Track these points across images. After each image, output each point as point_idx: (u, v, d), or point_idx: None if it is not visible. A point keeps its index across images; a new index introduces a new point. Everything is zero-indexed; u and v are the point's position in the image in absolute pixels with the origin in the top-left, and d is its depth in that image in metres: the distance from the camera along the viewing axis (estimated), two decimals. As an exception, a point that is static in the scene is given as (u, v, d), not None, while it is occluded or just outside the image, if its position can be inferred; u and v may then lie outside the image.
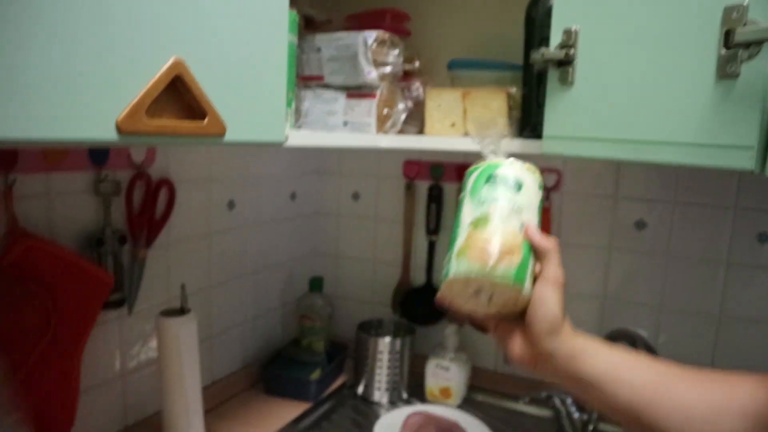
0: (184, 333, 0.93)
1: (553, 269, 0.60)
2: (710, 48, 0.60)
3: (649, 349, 0.96)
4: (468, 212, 0.62)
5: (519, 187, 0.61)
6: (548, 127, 0.79)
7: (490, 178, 0.62)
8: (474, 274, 0.58)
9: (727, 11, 0.58)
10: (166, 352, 0.93)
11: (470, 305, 0.63)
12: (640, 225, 1.16)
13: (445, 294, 0.63)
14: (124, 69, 0.45)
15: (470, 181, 0.64)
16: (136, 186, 0.95)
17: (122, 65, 0.45)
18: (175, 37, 0.50)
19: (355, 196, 1.44)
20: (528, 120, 0.93)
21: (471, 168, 0.66)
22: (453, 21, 1.24)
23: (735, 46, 0.57)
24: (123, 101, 0.45)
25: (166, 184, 1.00)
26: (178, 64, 0.50)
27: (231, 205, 1.18)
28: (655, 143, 0.66)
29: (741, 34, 0.56)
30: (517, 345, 0.62)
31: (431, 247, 1.34)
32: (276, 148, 1.27)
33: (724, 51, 0.58)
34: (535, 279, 0.60)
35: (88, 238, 0.89)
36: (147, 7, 0.47)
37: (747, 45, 0.56)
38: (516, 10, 0.94)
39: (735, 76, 0.58)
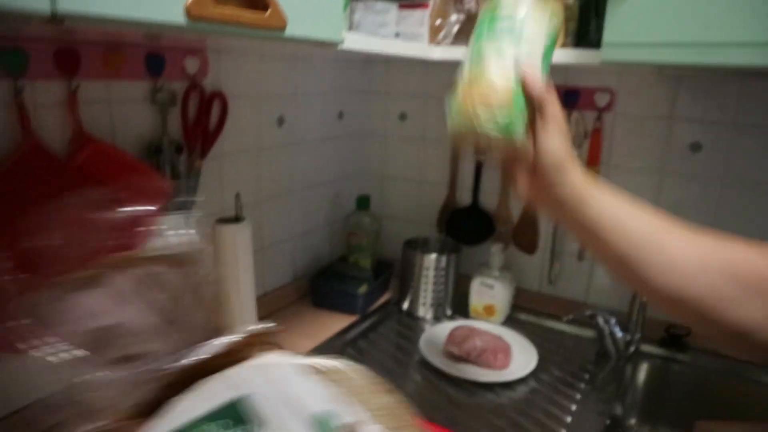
0: (240, 239, 0.96)
1: (551, 109, 0.60)
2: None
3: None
4: (467, 62, 0.63)
5: (520, 32, 0.61)
6: (608, 34, 0.76)
7: (492, 22, 0.61)
8: (465, 129, 0.59)
9: None
10: (223, 258, 0.97)
11: (478, 149, 0.66)
12: (695, 147, 1.12)
13: (453, 141, 0.67)
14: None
15: (476, 27, 0.64)
16: (190, 97, 0.97)
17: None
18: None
19: (402, 117, 1.43)
20: (586, 30, 0.90)
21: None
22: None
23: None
24: (191, -12, 0.46)
25: (219, 96, 1.02)
26: (242, -48, 0.50)
27: (280, 121, 1.19)
28: (719, 45, 0.63)
29: None
30: (525, 183, 0.64)
31: (478, 168, 1.33)
32: (324, 63, 1.27)
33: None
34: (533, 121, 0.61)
35: (147, 146, 0.92)
36: None
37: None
38: None
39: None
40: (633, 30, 0.73)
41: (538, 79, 0.60)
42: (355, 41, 0.72)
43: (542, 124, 0.61)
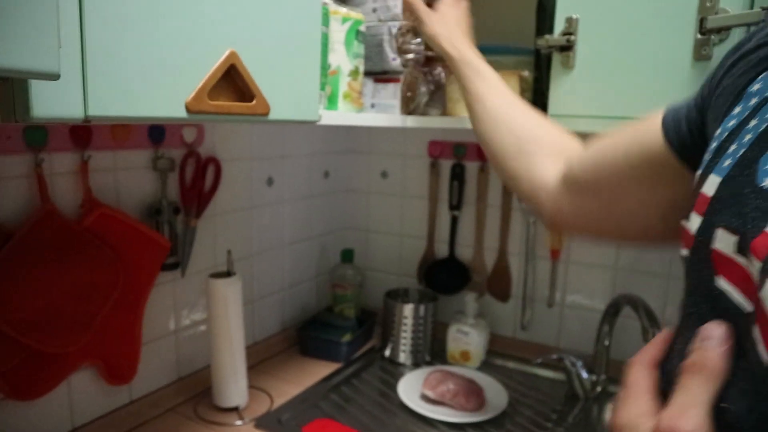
0: (231, 293, 1.05)
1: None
2: (688, 33, 0.68)
3: (650, 315, 1.04)
4: None
5: None
6: (553, 107, 0.88)
7: None
8: None
9: (702, 1, 0.66)
10: (215, 311, 1.05)
11: None
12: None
13: None
14: (191, 61, 0.57)
15: None
16: (187, 163, 1.07)
17: (190, 58, 0.56)
18: (230, 33, 0.61)
19: (384, 174, 1.54)
20: (539, 100, 1.02)
21: None
22: (474, 8, 1.32)
23: (708, 32, 0.65)
24: (190, 86, 0.57)
25: (213, 161, 1.12)
26: (232, 55, 0.61)
27: (270, 181, 1.30)
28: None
29: (713, 21, 0.64)
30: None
31: (454, 222, 1.44)
32: (310, 127, 1.39)
33: (699, 36, 0.67)
34: None
35: (148, 208, 1.02)
36: (208, 9, 0.58)
37: (718, 30, 0.64)
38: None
39: (708, 58, 0.66)
40: (571, 104, 0.85)
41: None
42: (331, 117, 0.83)
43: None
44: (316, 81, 0.76)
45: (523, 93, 1.05)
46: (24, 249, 0.80)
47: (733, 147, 0.37)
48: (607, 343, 1.20)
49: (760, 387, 0.30)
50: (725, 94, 0.43)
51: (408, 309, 1.34)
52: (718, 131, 0.40)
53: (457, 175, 1.41)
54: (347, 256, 1.45)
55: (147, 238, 0.96)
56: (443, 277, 1.46)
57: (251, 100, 0.64)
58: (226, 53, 0.60)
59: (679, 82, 0.70)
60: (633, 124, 0.59)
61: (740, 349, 0.32)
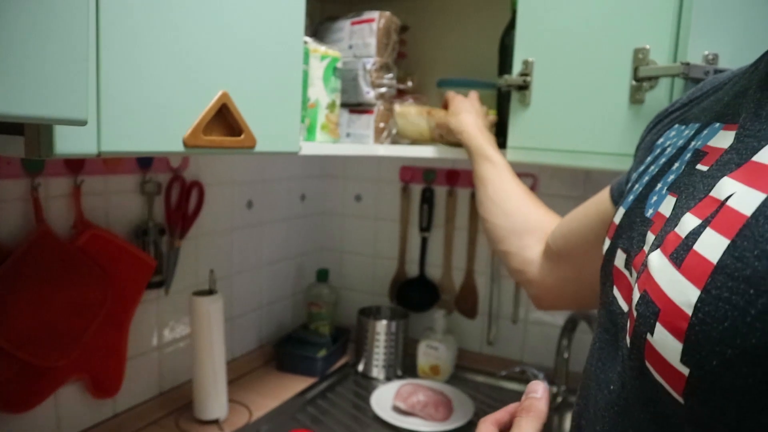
0: (213, 310, 1.11)
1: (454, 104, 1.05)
2: (624, 80, 0.78)
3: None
4: None
5: None
6: (511, 140, 0.98)
7: None
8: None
9: (635, 52, 0.76)
10: (198, 327, 1.11)
11: None
12: (605, 223, 1.33)
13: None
14: (188, 102, 0.64)
15: None
16: (173, 187, 1.14)
17: (187, 99, 0.64)
18: (222, 76, 0.69)
19: (358, 198, 1.62)
20: (501, 131, 1.12)
21: None
22: (445, 44, 1.42)
23: (641, 80, 0.75)
24: (187, 124, 0.64)
25: (197, 185, 1.19)
26: (224, 96, 0.68)
27: (250, 204, 1.37)
28: (587, 153, 0.84)
29: (644, 71, 0.74)
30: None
31: (424, 243, 1.52)
32: (290, 156, 1.46)
33: (633, 82, 0.77)
34: None
35: (135, 230, 1.08)
36: (204, 55, 0.66)
37: (648, 79, 0.74)
38: (497, 35, 1.12)
39: (641, 102, 0.76)
40: (528, 137, 0.95)
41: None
42: (310, 147, 0.91)
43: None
44: (298, 115, 0.84)
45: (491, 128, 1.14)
46: (20, 267, 0.85)
47: (636, 186, 0.47)
48: (566, 356, 1.29)
49: (626, 365, 0.38)
50: (644, 149, 0.54)
51: (380, 326, 1.41)
52: (633, 176, 0.51)
53: (427, 198, 1.50)
54: (322, 275, 1.52)
55: (134, 258, 1.02)
56: (414, 295, 1.54)
57: (240, 135, 0.72)
58: (219, 94, 0.68)
59: (617, 122, 0.79)
60: (592, 198, 0.69)
61: (617, 342, 0.42)
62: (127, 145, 0.57)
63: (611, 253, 0.47)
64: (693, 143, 0.42)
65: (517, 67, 0.95)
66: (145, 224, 1.09)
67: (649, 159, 0.49)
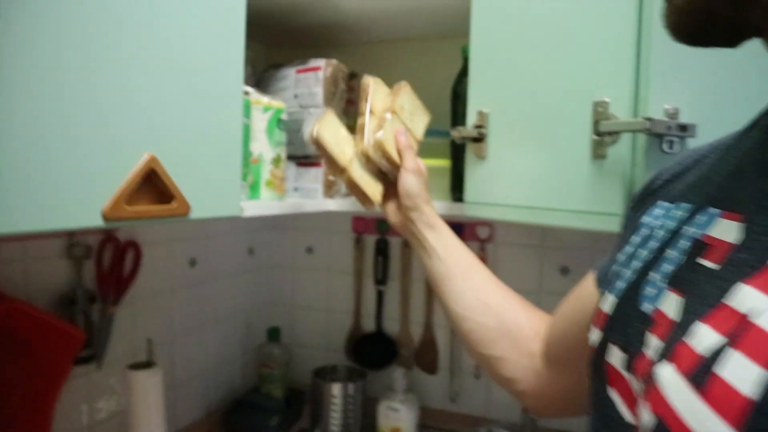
0: (151, 385, 1.01)
1: (408, 161, 0.85)
2: (586, 134, 0.74)
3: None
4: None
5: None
6: (469, 194, 0.93)
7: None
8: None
9: (595, 105, 0.73)
10: (134, 404, 1.01)
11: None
12: (565, 270, 1.30)
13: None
14: (108, 167, 0.57)
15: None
16: (105, 248, 1.04)
17: (106, 164, 0.56)
18: (148, 135, 0.61)
19: (309, 250, 1.55)
20: (456, 184, 1.07)
21: None
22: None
23: (602, 134, 0.72)
24: (107, 193, 0.56)
25: (133, 245, 1.10)
26: (152, 160, 0.61)
27: (192, 262, 1.27)
28: (549, 210, 0.80)
29: (605, 125, 0.70)
30: (392, 210, 0.88)
31: (380, 296, 1.45)
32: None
33: (595, 137, 0.73)
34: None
35: (61, 299, 0.97)
36: (125, 113, 0.59)
37: (610, 134, 0.71)
38: (448, 83, 1.09)
39: (603, 156, 0.72)
40: (486, 192, 0.90)
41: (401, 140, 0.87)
42: (254, 208, 0.84)
43: (401, 172, 0.85)
44: (238, 175, 0.77)
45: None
46: None
47: (626, 272, 0.42)
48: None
49: None
50: (629, 227, 0.49)
51: (336, 388, 1.32)
52: (620, 257, 0.45)
53: (381, 250, 1.44)
54: (273, 334, 1.43)
55: (59, 332, 0.92)
56: (371, 351, 1.46)
57: (171, 202, 0.64)
58: (145, 158, 0.61)
59: (579, 177, 0.75)
60: (574, 290, 0.62)
61: None
62: (28, 223, 0.49)
63: (602, 346, 0.41)
64: (689, 228, 0.38)
65: (471, 119, 0.91)
66: (73, 292, 0.99)
67: (635, 239, 0.44)
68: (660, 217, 0.43)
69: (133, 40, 0.59)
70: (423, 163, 0.88)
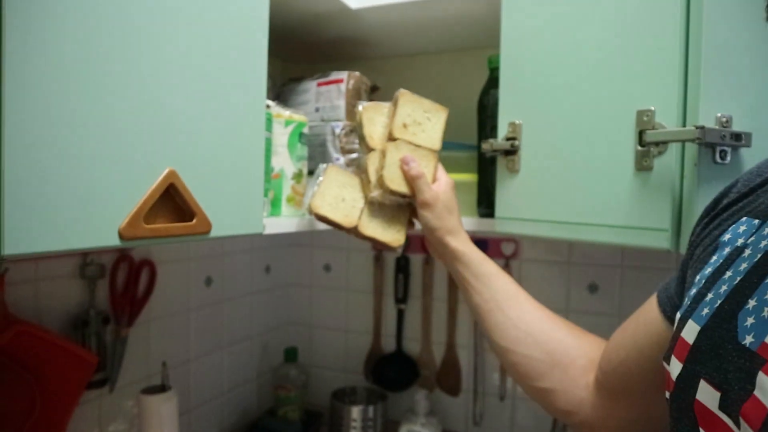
0: (165, 410, 0.97)
1: (420, 194, 0.79)
2: (628, 145, 0.70)
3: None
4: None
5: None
6: (499, 209, 0.88)
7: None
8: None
9: (639, 114, 0.69)
10: (148, 430, 0.96)
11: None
12: (593, 288, 1.25)
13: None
14: (125, 183, 0.53)
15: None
16: (119, 267, 1.00)
17: (124, 180, 0.53)
18: (168, 150, 0.58)
19: (327, 268, 1.50)
20: (483, 198, 1.03)
21: None
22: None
23: (647, 144, 0.67)
24: (124, 210, 0.53)
25: (148, 264, 1.06)
26: (171, 174, 0.57)
27: (208, 281, 1.24)
28: (587, 225, 0.75)
29: (651, 135, 0.66)
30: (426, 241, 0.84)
31: (400, 315, 1.40)
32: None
33: (639, 147, 0.69)
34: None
35: (73, 320, 0.94)
36: (144, 127, 0.55)
37: (656, 144, 0.66)
38: (473, 95, 1.05)
39: (649, 168, 0.68)
40: (518, 207, 0.86)
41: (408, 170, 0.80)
42: (275, 225, 0.80)
43: (419, 207, 0.80)
44: (260, 192, 0.73)
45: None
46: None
47: (710, 296, 0.38)
48: None
49: None
50: (703, 245, 0.44)
51: (356, 411, 1.27)
52: (697, 278, 0.41)
53: (402, 267, 1.39)
54: (290, 354, 1.38)
55: (71, 355, 0.88)
56: (391, 372, 1.41)
57: (191, 219, 0.60)
58: (165, 172, 0.57)
59: (621, 191, 0.71)
60: (634, 315, 0.57)
61: None
62: (41, 243, 0.45)
63: (689, 382, 0.36)
64: None
65: (502, 130, 0.87)
66: (86, 314, 0.95)
67: (716, 258, 0.40)
68: (744, 234, 0.38)
69: (152, 51, 0.56)
70: (446, 180, 0.83)
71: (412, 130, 0.86)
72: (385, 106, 0.89)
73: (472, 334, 1.34)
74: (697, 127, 0.61)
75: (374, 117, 0.88)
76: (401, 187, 0.81)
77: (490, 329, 0.73)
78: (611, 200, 0.72)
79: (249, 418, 1.38)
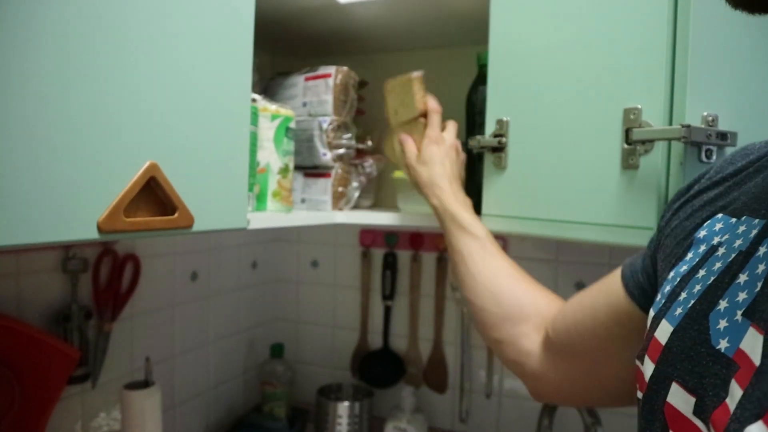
0: (149, 406, 0.96)
1: (430, 130, 0.89)
2: (615, 142, 0.70)
3: (590, 410, 1.03)
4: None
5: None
6: (486, 206, 0.88)
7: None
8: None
9: (626, 112, 0.68)
10: (130, 426, 0.95)
11: None
12: (580, 286, 1.25)
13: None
14: (104, 176, 0.52)
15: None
16: (102, 262, 0.99)
17: (103, 173, 0.52)
18: (149, 142, 0.57)
19: (314, 264, 1.50)
20: (470, 195, 1.02)
21: None
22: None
23: (634, 143, 0.67)
24: (103, 203, 0.52)
25: (132, 258, 1.05)
26: (152, 167, 0.56)
27: (194, 276, 1.22)
28: (575, 223, 0.75)
29: (637, 133, 0.66)
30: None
31: (387, 312, 1.40)
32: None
33: (625, 146, 0.69)
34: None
35: (55, 315, 0.92)
36: (124, 119, 0.54)
37: (643, 142, 0.66)
38: (462, 91, 1.04)
39: (635, 167, 0.68)
40: (505, 205, 0.85)
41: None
42: (260, 220, 0.79)
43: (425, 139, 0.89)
44: (244, 186, 0.72)
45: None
46: None
47: (683, 295, 0.37)
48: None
49: None
50: (674, 235, 0.44)
51: (342, 408, 1.27)
52: (671, 274, 0.40)
53: (390, 264, 1.39)
54: (277, 351, 1.37)
55: (52, 350, 0.87)
56: (378, 369, 1.40)
57: (173, 213, 0.59)
58: (145, 165, 0.56)
59: (608, 189, 0.71)
60: (597, 283, 0.60)
61: None
62: (15, 236, 0.44)
63: (659, 383, 0.36)
64: (763, 250, 0.33)
65: (490, 127, 0.87)
66: (68, 308, 0.94)
67: (691, 256, 0.39)
68: (719, 232, 0.38)
69: (133, 42, 0.55)
70: (450, 142, 0.90)
71: (400, 112, 0.96)
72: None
73: (459, 332, 1.34)
74: (683, 126, 0.61)
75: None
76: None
77: (458, 279, 0.79)
78: (598, 198, 0.72)
79: (235, 415, 1.38)
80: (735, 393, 0.29)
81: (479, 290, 0.75)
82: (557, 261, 1.27)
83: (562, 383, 0.64)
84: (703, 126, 0.63)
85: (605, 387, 0.60)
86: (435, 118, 0.91)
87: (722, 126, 0.64)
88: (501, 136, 0.84)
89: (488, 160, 0.87)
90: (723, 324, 0.33)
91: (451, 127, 0.93)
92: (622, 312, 0.53)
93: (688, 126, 0.61)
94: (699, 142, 0.62)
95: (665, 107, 0.66)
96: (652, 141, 0.66)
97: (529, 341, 0.68)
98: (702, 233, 0.40)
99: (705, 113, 0.64)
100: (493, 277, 0.75)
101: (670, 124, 0.66)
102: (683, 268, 0.40)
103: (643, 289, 0.51)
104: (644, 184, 0.67)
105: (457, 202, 0.83)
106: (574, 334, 0.60)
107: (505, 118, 0.84)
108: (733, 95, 0.65)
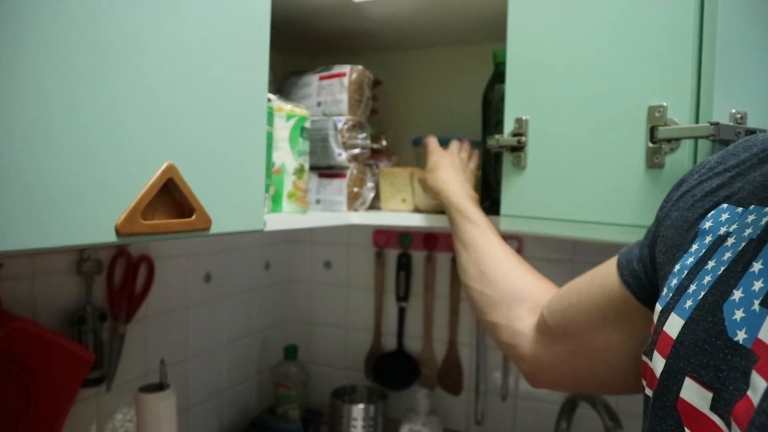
0: (164, 409, 0.95)
1: (432, 157, 0.97)
2: (639, 141, 0.68)
3: (610, 412, 1.01)
4: None
5: None
6: (505, 207, 0.87)
7: None
8: None
9: (651, 110, 0.67)
10: (145, 429, 0.95)
11: None
12: (597, 287, 1.23)
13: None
14: (122, 178, 0.51)
15: None
16: (117, 263, 0.99)
17: (121, 174, 0.51)
18: (167, 144, 0.56)
19: (327, 265, 1.49)
20: (488, 195, 1.01)
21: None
22: (421, 99, 1.32)
23: (659, 141, 0.65)
24: (121, 206, 0.51)
25: (146, 260, 1.04)
26: (170, 168, 0.55)
27: (207, 277, 1.22)
28: (597, 224, 0.73)
29: (663, 132, 0.64)
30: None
31: (401, 313, 1.39)
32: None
33: (650, 144, 0.67)
34: None
35: (70, 317, 0.92)
36: (141, 120, 0.53)
37: (669, 140, 0.65)
38: (477, 89, 1.03)
39: (661, 166, 0.66)
40: (525, 205, 0.84)
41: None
42: (277, 222, 0.78)
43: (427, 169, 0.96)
44: (261, 187, 0.71)
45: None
46: None
47: (693, 287, 0.36)
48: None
49: None
50: (675, 226, 0.43)
51: (357, 410, 1.26)
52: (677, 267, 0.40)
53: (404, 265, 1.37)
54: (290, 352, 1.36)
55: (67, 353, 0.86)
56: (392, 371, 1.39)
57: (191, 215, 0.58)
58: (163, 167, 0.55)
59: (631, 189, 0.69)
60: (594, 269, 0.60)
61: None
62: (31, 240, 0.44)
63: (671, 378, 0.35)
64: None
65: (508, 126, 0.85)
66: (82, 310, 0.93)
67: (697, 248, 0.38)
68: (725, 222, 0.37)
69: (151, 43, 0.54)
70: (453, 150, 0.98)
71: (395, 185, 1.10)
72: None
73: (474, 333, 1.32)
74: (711, 124, 0.60)
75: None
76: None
77: (459, 267, 0.82)
78: (620, 198, 0.71)
79: (248, 416, 1.37)
80: (757, 385, 0.28)
81: (477, 275, 0.78)
82: (573, 261, 1.25)
83: (554, 365, 0.65)
84: (731, 123, 0.61)
85: (595, 371, 0.61)
86: (431, 141, 1.01)
87: (751, 123, 0.62)
88: (520, 135, 0.83)
89: (507, 159, 0.86)
90: (739, 314, 0.31)
91: (455, 143, 1.02)
92: (616, 298, 0.54)
93: (717, 124, 0.59)
94: (727, 140, 0.60)
95: (692, 104, 0.64)
96: (678, 139, 0.64)
97: (524, 323, 0.70)
98: (707, 224, 0.39)
99: (733, 110, 0.62)
100: (492, 262, 0.77)
101: (697, 121, 0.64)
102: (690, 260, 0.39)
103: (637, 277, 0.51)
104: (670, 184, 0.65)
105: (462, 195, 0.87)
106: (569, 316, 0.61)
107: (524, 117, 0.83)
108: (762, 91, 0.63)
